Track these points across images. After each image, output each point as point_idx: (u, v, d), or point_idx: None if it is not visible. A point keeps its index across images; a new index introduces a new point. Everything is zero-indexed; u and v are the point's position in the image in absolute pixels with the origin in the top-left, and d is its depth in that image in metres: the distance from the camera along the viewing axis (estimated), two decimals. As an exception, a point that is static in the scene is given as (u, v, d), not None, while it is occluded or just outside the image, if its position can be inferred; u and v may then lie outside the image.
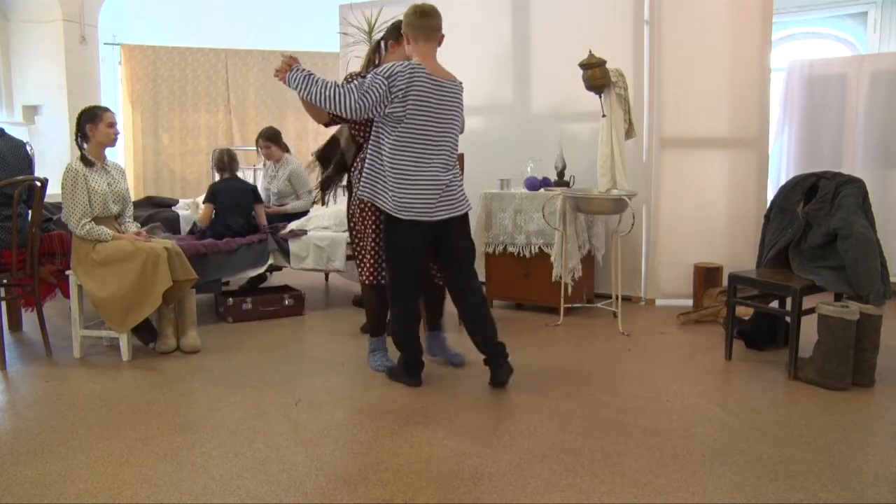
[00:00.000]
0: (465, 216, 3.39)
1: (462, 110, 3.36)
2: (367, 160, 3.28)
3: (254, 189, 5.18)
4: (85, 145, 3.87)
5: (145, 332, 4.01)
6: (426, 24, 3.21)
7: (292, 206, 5.39)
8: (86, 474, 2.51)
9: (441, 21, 3.28)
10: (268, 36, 7.97)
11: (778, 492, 2.37)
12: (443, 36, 3.30)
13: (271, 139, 5.42)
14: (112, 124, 3.91)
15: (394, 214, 3.19)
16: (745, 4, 4.89)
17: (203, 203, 5.04)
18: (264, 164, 5.73)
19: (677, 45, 4.96)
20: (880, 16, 6.93)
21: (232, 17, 7.99)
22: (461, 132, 3.40)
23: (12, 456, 2.67)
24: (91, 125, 3.85)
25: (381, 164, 3.20)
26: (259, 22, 8.03)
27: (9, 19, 6.62)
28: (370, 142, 3.27)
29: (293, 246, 4.88)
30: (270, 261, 4.86)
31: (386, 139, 3.17)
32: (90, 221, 3.78)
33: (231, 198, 4.92)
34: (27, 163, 4.07)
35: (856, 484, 2.42)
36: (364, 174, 3.28)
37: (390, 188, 3.18)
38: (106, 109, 3.94)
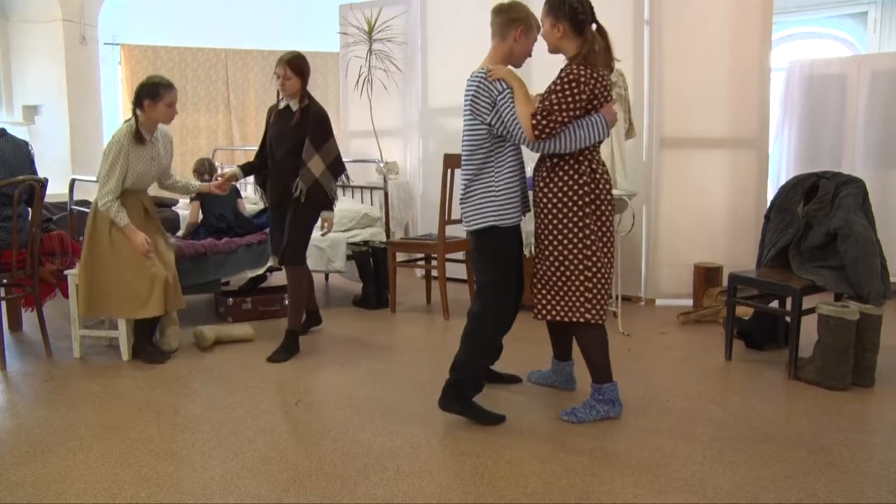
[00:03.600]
0: (473, 235, 2.96)
1: (474, 104, 2.86)
2: None
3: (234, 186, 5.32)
4: (139, 115, 3.70)
5: (145, 345, 3.87)
6: (492, 22, 2.98)
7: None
8: (86, 474, 2.51)
9: (511, 14, 2.93)
10: (268, 36, 7.97)
11: (778, 492, 2.37)
12: (516, 32, 2.93)
13: None
14: (172, 104, 3.72)
15: None
16: (745, 4, 4.89)
17: (190, 202, 5.11)
18: None
19: (677, 45, 4.96)
20: (880, 16, 6.93)
21: (232, 17, 7.99)
22: (491, 129, 2.86)
23: (12, 456, 2.67)
24: (150, 102, 3.68)
25: None
26: (259, 22, 8.04)
27: (9, 19, 6.62)
28: None
29: (293, 246, 4.87)
30: (270, 262, 4.85)
31: None
32: (116, 201, 3.65)
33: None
34: (29, 163, 4.06)
35: (856, 484, 2.42)
36: None
37: None
38: (169, 87, 3.72)
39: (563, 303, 2.92)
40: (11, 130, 4.19)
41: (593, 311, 2.88)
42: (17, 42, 6.64)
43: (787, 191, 3.94)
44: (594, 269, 2.87)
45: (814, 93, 5.65)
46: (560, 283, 2.91)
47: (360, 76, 6.18)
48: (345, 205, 5.59)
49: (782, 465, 2.57)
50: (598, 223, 2.90)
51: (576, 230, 2.86)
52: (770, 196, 4.53)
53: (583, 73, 2.76)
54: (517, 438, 2.81)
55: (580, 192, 2.85)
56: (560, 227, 2.88)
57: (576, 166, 2.86)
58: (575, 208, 2.85)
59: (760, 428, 2.91)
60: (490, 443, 2.76)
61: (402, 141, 6.49)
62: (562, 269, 2.90)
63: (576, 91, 2.73)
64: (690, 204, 5.08)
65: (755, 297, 3.92)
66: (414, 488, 2.40)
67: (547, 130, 2.72)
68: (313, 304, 4.43)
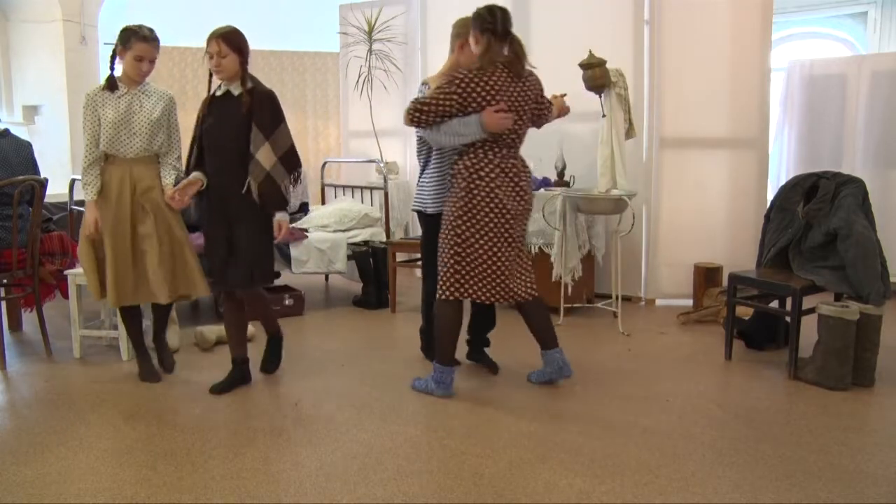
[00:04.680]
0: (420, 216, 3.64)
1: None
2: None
3: None
4: (118, 63, 3.30)
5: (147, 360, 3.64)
6: None
7: (292, 205, 5.38)
8: (86, 474, 2.51)
9: (455, 30, 3.46)
10: (268, 36, 7.96)
11: (778, 492, 2.37)
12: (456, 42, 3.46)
13: None
14: (141, 59, 3.25)
15: None
16: (745, 4, 4.89)
17: None
18: None
19: (677, 45, 4.96)
20: (880, 16, 6.93)
21: (232, 17, 7.96)
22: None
23: (12, 456, 2.67)
24: (121, 48, 3.24)
25: None
26: (259, 22, 8.03)
27: (9, 19, 6.61)
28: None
29: (294, 251, 4.87)
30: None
31: None
32: (91, 168, 3.23)
33: None
34: (31, 163, 4.05)
35: (856, 484, 2.42)
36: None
37: None
38: (142, 39, 3.25)
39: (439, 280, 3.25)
40: (11, 130, 4.19)
41: (443, 289, 3.19)
42: (17, 42, 6.63)
43: (787, 191, 3.94)
44: (456, 253, 3.14)
45: (814, 93, 5.65)
46: (440, 263, 3.24)
47: (360, 76, 6.17)
48: (345, 205, 5.60)
49: (782, 465, 2.57)
50: (476, 218, 3.11)
51: (452, 218, 3.15)
52: (770, 196, 4.53)
53: (460, 76, 3.06)
54: (517, 438, 2.81)
55: (463, 184, 3.13)
56: (445, 213, 3.21)
57: (467, 162, 3.15)
58: (453, 198, 3.17)
59: (760, 428, 2.91)
60: (490, 443, 2.76)
61: (402, 141, 6.49)
62: (439, 250, 3.23)
63: (448, 91, 3.04)
64: (690, 204, 5.08)
65: (755, 297, 3.92)
66: (414, 488, 2.40)
67: (415, 116, 3.08)
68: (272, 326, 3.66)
